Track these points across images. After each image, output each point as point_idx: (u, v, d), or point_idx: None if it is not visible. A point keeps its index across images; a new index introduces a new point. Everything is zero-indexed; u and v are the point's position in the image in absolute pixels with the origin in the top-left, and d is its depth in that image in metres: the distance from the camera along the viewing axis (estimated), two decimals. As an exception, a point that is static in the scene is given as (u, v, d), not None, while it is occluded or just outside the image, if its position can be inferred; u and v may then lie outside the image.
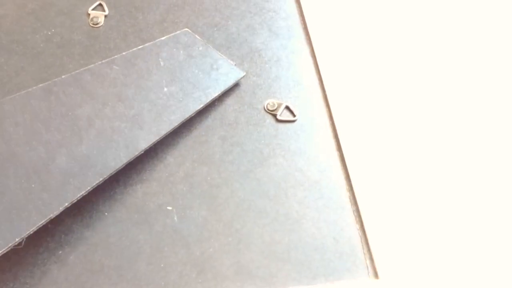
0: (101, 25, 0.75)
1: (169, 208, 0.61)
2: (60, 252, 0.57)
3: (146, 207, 0.61)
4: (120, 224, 0.60)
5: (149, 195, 0.62)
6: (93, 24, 0.75)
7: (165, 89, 0.65)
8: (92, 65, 0.64)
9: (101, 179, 0.56)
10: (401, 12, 0.83)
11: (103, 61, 0.65)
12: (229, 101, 0.70)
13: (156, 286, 0.56)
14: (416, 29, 0.82)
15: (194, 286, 0.56)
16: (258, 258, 0.58)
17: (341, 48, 0.77)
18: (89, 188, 0.55)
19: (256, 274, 0.57)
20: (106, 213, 0.60)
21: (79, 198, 0.55)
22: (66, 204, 0.53)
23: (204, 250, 0.58)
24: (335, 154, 0.67)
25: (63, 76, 0.62)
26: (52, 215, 0.52)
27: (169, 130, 0.63)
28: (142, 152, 0.60)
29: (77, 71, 0.63)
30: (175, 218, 0.61)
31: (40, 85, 0.60)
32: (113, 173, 0.58)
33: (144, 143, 0.60)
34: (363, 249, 0.60)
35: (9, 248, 0.49)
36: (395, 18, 0.82)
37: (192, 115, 0.66)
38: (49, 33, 0.73)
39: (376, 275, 0.58)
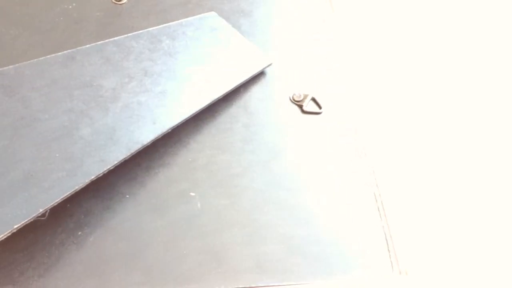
0: (124, 3, 0.71)
1: (192, 194, 0.57)
2: (80, 233, 0.53)
3: (168, 192, 0.57)
4: (141, 207, 0.55)
5: (171, 180, 0.58)
6: (116, 0, 0.71)
7: (192, 68, 0.62)
8: (117, 37, 0.60)
9: (128, 154, 0.52)
10: (430, 7, 0.83)
11: (128, 34, 0.61)
12: (254, 89, 0.68)
13: (175, 274, 0.52)
14: (446, 23, 0.81)
15: (213, 276, 0.52)
16: (278, 250, 0.55)
17: (370, 43, 0.76)
18: (116, 162, 0.51)
19: (276, 267, 0.54)
20: (127, 196, 0.56)
21: (104, 173, 0.50)
22: (92, 177, 0.49)
23: (224, 240, 0.55)
24: (360, 149, 0.65)
25: (86, 46, 0.58)
26: (77, 187, 0.48)
27: (196, 110, 0.59)
28: (169, 131, 0.57)
29: (101, 41, 0.59)
30: (198, 204, 0.57)
31: (61, 52, 0.56)
32: (139, 150, 0.54)
33: (171, 121, 0.57)
34: (387, 244, 0.57)
35: (32, 219, 0.45)
36: (424, 14, 0.82)
37: (219, 98, 0.62)
38: (70, 7, 0.69)
39: (399, 271, 0.55)
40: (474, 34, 0.82)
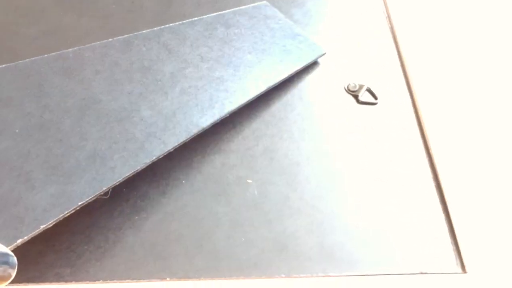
0: (175, -9, 0.71)
1: (249, 181, 0.56)
2: (136, 217, 0.51)
3: (225, 179, 0.56)
4: (198, 193, 0.54)
5: (228, 167, 0.57)
6: (167, -11, 0.71)
7: (247, 56, 0.61)
8: (172, 24, 0.60)
9: (187, 137, 0.51)
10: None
11: (184, 21, 0.61)
12: (309, 78, 0.66)
13: (237, 261, 0.50)
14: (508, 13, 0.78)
15: (276, 264, 0.50)
16: (342, 241, 0.53)
17: (423, 33, 0.73)
18: (176, 144, 0.50)
19: (339, 257, 0.51)
20: (183, 181, 0.55)
21: (164, 155, 0.49)
22: (153, 158, 0.48)
23: (286, 228, 0.53)
24: (419, 141, 0.62)
25: (143, 31, 0.58)
26: (139, 167, 0.47)
27: (253, 96, 0.58)
28: (226, 116, 0.56)
29: (157, 28, 0.59)
30: (256, 192, 0.55)
31: (120, 37, 0.56)
32: (198, 133, 0.53)
33: (230, 105, 0.55)
34: (450, 240, 0.55)
35: (95, 197, 0.44)
36: (479, 5, 0.79)
37: (274, 86, 0.61)
38: (121, -5, 0.70)
39: (463, 268, 0.52)
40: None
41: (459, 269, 0.53)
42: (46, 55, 0.52)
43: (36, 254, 0.48)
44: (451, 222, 0.56)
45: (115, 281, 0.47)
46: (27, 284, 0.46)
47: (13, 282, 0.45)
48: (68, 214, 0.42)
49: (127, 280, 0.47)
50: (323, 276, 0.50)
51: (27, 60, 0.51)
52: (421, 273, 0.52)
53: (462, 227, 0.55)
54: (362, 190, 0.57)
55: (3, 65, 0.50)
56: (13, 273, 0.37)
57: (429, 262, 0.53)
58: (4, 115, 0.46)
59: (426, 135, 0.63)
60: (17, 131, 0.45)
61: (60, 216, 0.41)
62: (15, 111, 0.47)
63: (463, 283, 0.51)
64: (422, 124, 0.64)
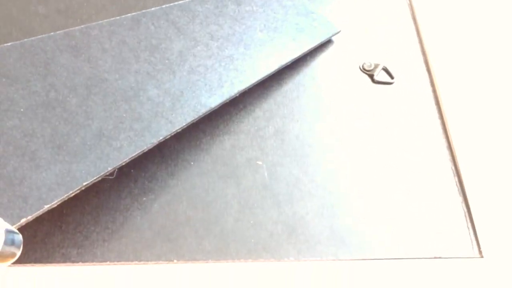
0: (186, -32, 0.69)
1: (259, 163, 0.55)
2: (144, 199, 0.51)
3: (234, 160, 0.55)
4: (206, 175, 0.53)
5: (237, 148, 0.56)
6: (178, -34, 0.69)
7: (258, 34, 0.59)
8: (182, 1, 0.58)
9: (195, 117, 0.50)
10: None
11: (194, -1, 0.59)
12: (322, 57, 0.64)
13: (245, 244, 0.49)
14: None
15: (285, 247, 0.49)
16: (353, 224, 0.51)
17: (443, 10, 0.71)
18: (183, 124, 0.49)
19: (351, 241, 0.50)
20: (191, 163, 0.54)
21: (171, 135, 0.49)
22: (160, 138, 0.47)
23: (296, 211, 0.52)
24: (437, 122, 0.60)
25: (152, 9, 0.56)
26: (146, 147, 0.46)
27: (264, 75, 0.57)
28: (236, 95, 0.54)
29: (166, 5, 0.57)
30: (266, 174, 0.54)
31: (128, 14, 0.55)
32: (206, 113, 0.51)
33: (240, 85, 0.54)
34: (466, 223, 0.53)
35: (101, 177, 0.43)
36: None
37: (286, 65, 0.60)
38: (131, -28, 0.68)
39: (480, 252, 0.51)
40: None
41: (476, 254, 0.51)
42: (52, 33, 0.51)
43: (43, 235, 0.48)
44: (469, 205, 0.54)
45: (122, 262, 0.47)
46: (34, 264, 0.46)
47: (20, 262, 0.45)
48: (73, 194, 0.42)
49: (134, 262, 0.47)
50: (333, 260, 0.49)
51: (33, 38, 0.50)
52: (436, 258, 0.50)
53: (480, 211, 0.53)
54: (376, 172, 0.56)
55: (9, 43, 0.49)
56: (18, 252, 0.37)
57: (444, 246, 0.51)
58: (10, 93, 0.45)
59: (444, 116, 0.61)
60: (22, 110, 0.45)
61: (65, 196, 0.41)
62: (20, 90, 0.46)
63: (479, 268, 0.50)
64: (440, 105, 0.62)
